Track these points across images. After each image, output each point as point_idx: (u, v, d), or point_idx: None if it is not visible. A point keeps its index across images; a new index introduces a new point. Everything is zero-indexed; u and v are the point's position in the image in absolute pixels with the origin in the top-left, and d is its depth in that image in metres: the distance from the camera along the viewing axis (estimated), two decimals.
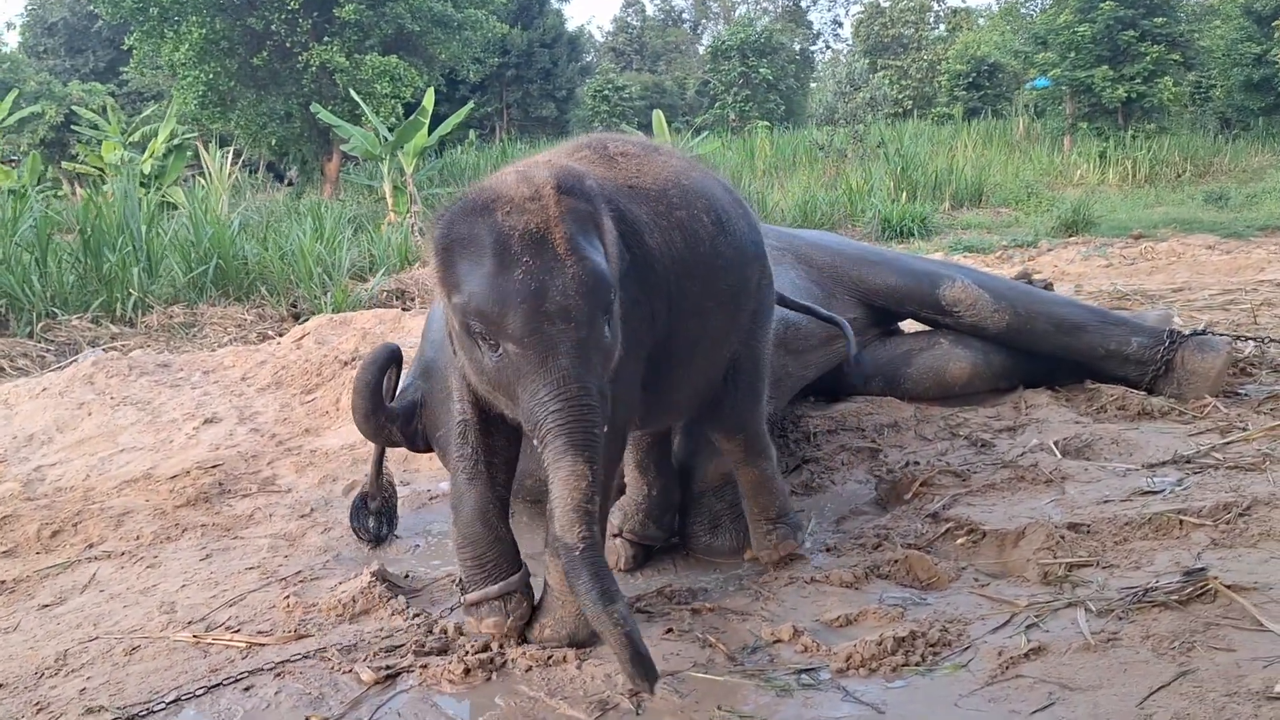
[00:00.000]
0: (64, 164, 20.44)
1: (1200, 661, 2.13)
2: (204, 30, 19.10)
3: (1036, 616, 2.43)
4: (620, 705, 2.21)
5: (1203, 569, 2.48)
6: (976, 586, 2.67)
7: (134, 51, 20.84)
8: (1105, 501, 3.04)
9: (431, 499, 3.83)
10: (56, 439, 4.92)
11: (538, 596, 2.57)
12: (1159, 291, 7.31)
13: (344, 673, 2.42)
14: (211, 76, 19.60)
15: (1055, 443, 3.58)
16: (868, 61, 30.56)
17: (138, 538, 3.55)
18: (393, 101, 19.03)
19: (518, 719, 2.19)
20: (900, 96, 31.50)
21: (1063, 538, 2.77)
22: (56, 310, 8.08)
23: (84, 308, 8.22)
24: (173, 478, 4.13)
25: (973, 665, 2.26)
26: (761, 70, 29.79)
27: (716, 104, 30.80)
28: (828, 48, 51.71)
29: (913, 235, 13.63)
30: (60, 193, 18.38)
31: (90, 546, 3.52)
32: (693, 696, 2.24)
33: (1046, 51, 21.63)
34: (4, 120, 18.61)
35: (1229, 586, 2.38)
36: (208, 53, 19.49)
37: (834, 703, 2.19)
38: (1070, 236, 12.71)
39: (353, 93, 17.02)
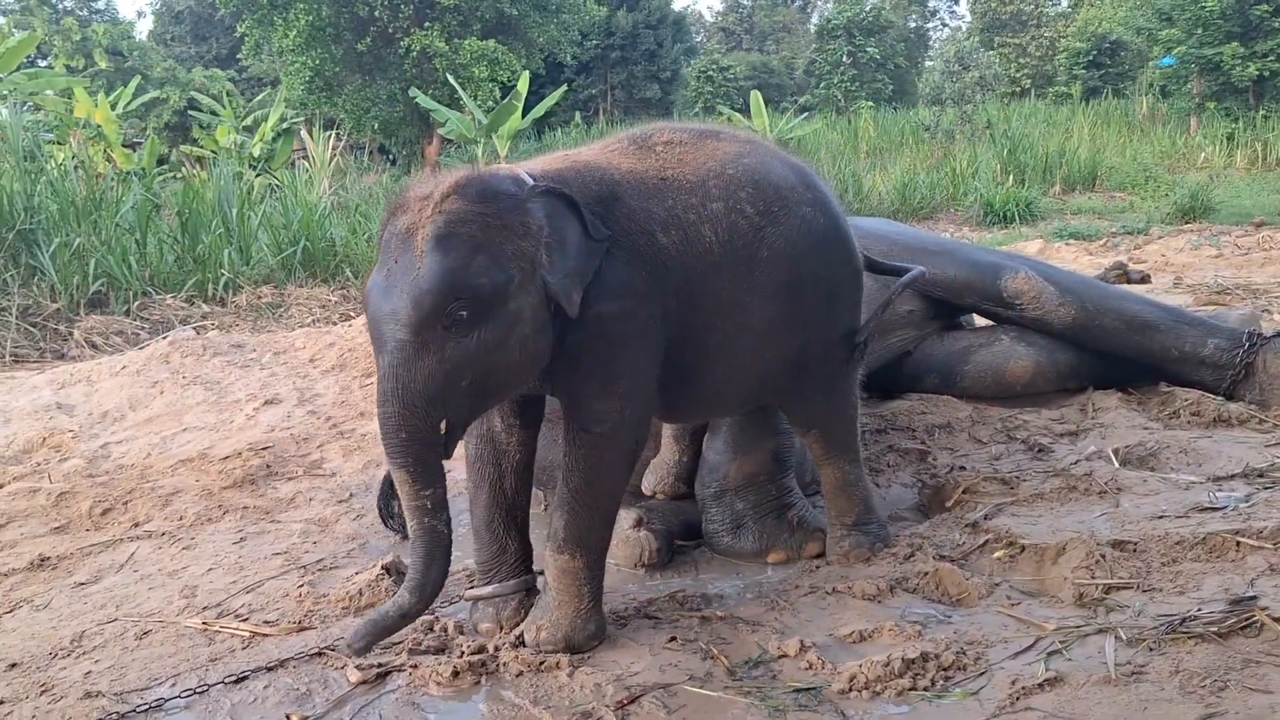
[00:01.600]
0: (182, 147, 21.22)
1: (1231, 704, 1.93)
2: (311, 17, 19.60)
3: (1062, 642, 2.25)
4: (604, 717, 2.12)
5: (1252, 598, 2.27)
6: (1006, 605, 2.49)
7: (246, 38, 21.47)
8: (1159, 517, 2.81)
9: (460, 491, 3.79)
10: (128, 416, 5.05)
11: None
12: (1265, 286, 6.84)
13: (336, 669, 2.40)
14: (318, 62, 20.12)
15: (1116, 450, 3.35)
16: (979, 39, 29.57)
17: (181, 518, 3.61)
18: (490, 85, 19.25)
19: None
20: (1017, 75, 30.49)
21: (1104, 556, 2.57)
22: (153, 289, 8.35)
23: (179, 287, 8.48)
24: (224, 459, 4.19)
25: (983, 694, 2.10)
26: (869, 49, 29.18)
27: (822, 84, 30.26)
28: (943, 25, 50.35)
29: (1016, 220, 13.15)
30: (180, 175, 19.13)
31: (135, 526, 3.59)
32: (680, 712, 2.14)
33: (1172, 28, 20.61)
34: (129, 105, 19.36)
35: (1277, 620, 2.16)
36: (315, 39, 20.00)
37: None
38: (1186, 223, 12.09)
39: (450, 77, 17.21)
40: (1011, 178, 15.24)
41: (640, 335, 2.35)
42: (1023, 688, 2.08)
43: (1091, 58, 26.58)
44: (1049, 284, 3.98)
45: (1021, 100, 25.31)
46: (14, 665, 2.53)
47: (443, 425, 2.18)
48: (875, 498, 2.94)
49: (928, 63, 37.25)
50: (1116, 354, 3.98)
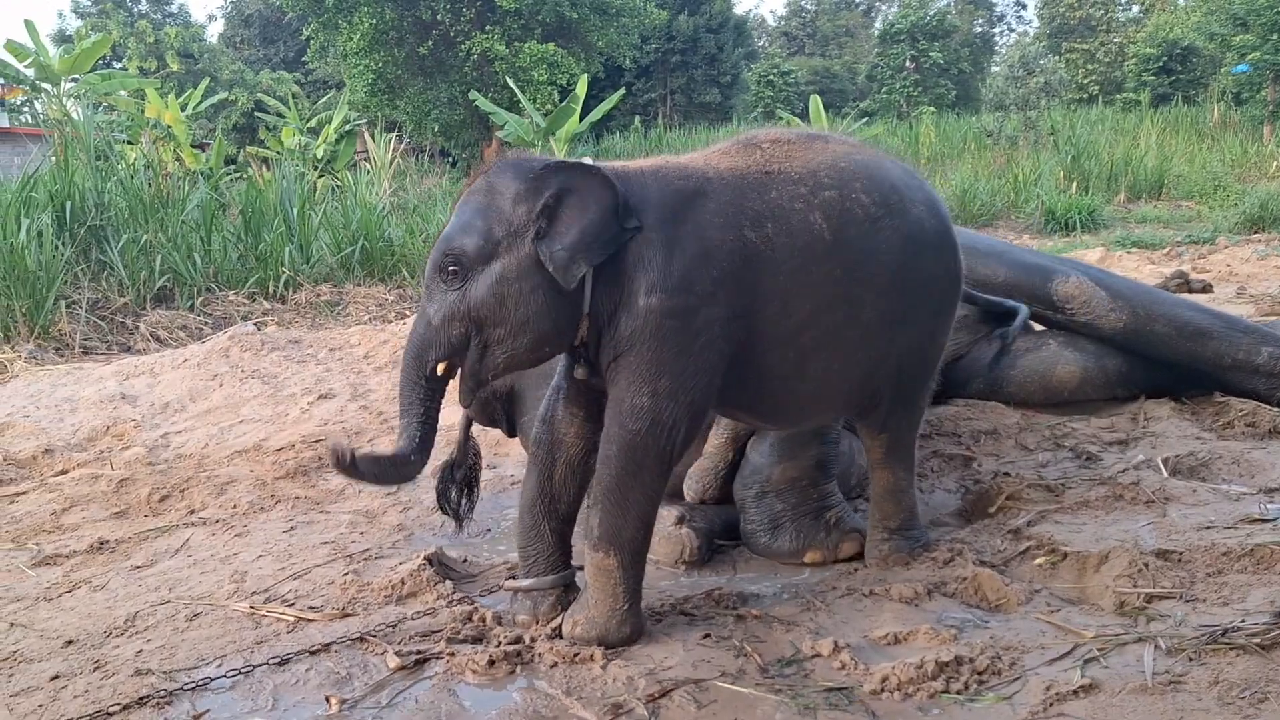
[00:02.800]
0: (248, 148, 21.66)
1: (1271, 716, 1.90)
2: (374, 20, 19.90)
3: (1099, 650, 2.23)
4: (634, 710, 2.14)
5: None
6: (1045, 612, 2.47)
7: (311, 41, 21.86)
8: (1206, 528, 2.76)
9: (514, 484, 3.84)
10: (189, 408, 5.19)
11: None
12: None
13: (376, 655, 2.44)
14: (381, 65, 20.42)
15: (1165, 460, 3.29)
16: (1046, 44, 29.11)
17: (234, 507, 3.70)
18: (549, 89, 19.37)
19: (531, 716, 2.15)
20: (1085, 82, 29.96)
21: (1147, 565, 2.53)
22: (216, 286, 8.55)
23: (241, 284, 8.67)
24: (278, 450, 4.29)
25: (1016, 699, 2.09)
26: (933, 54, 28.89)
27: (884, 89, 30.01)
28: (1009, 30, 49.67)
29: (1078, 228, 12.93)
30: (246, 175, 19.55)
31: (191, 513, 3.69)
32: (711, 708, 2.15)
33: (1247, 33, 20.09)
34: (198, 106, 19.83)
35: None
36: (378, 42, 20.31)
37: None
38: (1255, 233, 11.78)
39: (509, 80, 17.37)
40: (1075, 185, 14.98)
41: (695, 335, 2.33)
42: (1056, 694, 2.05)
43: (1162, 64, 26.05)
44: (1100, 288, 3.93)
45: (1088, 107, 24.84)
46: (70, 642, 2.62)
47: (440, 366, 2.36)
48: (919, 505, 2.92)
49: (993, 68, 36.75)
50: (1168, 361, 3.92)
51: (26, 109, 17.50)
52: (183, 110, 15.45)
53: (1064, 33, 34.06)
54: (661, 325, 2.31)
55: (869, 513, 2.89)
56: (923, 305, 2.64)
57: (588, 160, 2.41)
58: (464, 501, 3.41)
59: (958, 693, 2.13)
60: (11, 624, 2.75)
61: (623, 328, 2.33)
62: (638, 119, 27.61)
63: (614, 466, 2.37)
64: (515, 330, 2.33)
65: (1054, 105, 22.71)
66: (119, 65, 29.18)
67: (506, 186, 2.34)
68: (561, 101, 18.08)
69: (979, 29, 43.49)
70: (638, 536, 2.43)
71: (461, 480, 3.40)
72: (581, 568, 2.55)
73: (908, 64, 29.07)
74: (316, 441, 4.37)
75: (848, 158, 2.57)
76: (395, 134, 17.19)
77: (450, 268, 2.32)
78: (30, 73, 13.37)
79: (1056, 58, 26.96)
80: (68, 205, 7.84)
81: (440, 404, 2.43)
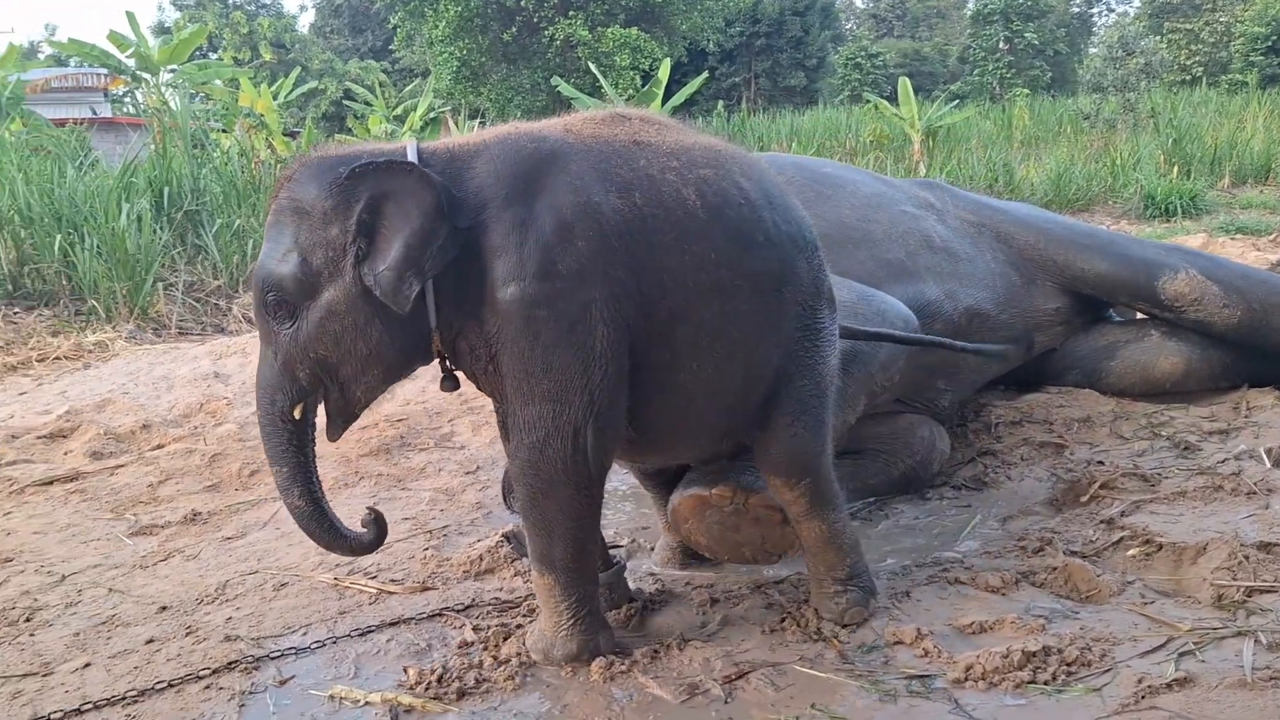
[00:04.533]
0: (337, 136, 22.11)
1: None
2: (459, 8, 20.12)
3: (1195, 644, 2.15)
4: (710, 691, 2.14)
5: None
6: (1138, 604, 2.39)
7: (398, 30, 22.19)
8: None
9: None
10: None
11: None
12: None
13: (454, 628, 2.47)
14: (465, 52, 20.64)
15: (1269, 450, 3.16)
16: (1147, 24, 28.15)
17: (320, 482, 3.76)
18: (632, 73, 19.37)
19: (607, 694, 2.16)
20: (1188, 63, 28.92)
21: (1247, 558, 2.44)
22: None
23: None
24: (362, 428, 4.36)
25: (1106, 691, 2.02)
26: (1027, 35, 28.20)
27: (976, 71, 29.37)
28: (1109, 10, 48.16)
29: (1178, 214, 12.48)
30: None
31: None
32: (789, 691, 2.14)
33: None
34: (289, 95, 20.27)
35: None
36: (462, 29, 20.52)
37: (939, 713, 2.02)
38: None
39: (592, 65, 17.41)
40: (1176, 169, 14.44)
41: (572, 324, 2.02)
42: (1149, 686, 1.99)
43: (1271, 43, 25.03)
44: (1212, 283, 3.70)
45: (1191, 88, 23.95)
46: (165, 608, 2.71)
47: (297, 411, 2.14)
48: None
49: (1090, 49, 35.65)
50: None
51: (128, 99, 18.08)
52: (274, 99, 15.80)
53: (1166, 12, 32.88)
54: (529, 318, 2.01)
55: (810, 567, 2.46)
56: (799, 316, 2.30)
57: (406, 147, 2.10)
58: None
59: (1045, 683, 2.07)
60: (110, 590, 2.85)
61: (487, 327, 2.05)
62: (721, 104, 27.40)
63: (524, 486, 2.13)
64: (363, 366, 2.11)
65: (1154, 87, 21.93)
66: (214, 55, 30.00)
67: (313, 202, 2.04)
68: (644, 86, 18.05)
69: (1076, 9, 42.25)
70: (569, 554, 2.17)
71: None
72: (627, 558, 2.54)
73: (1001, 45, 28.41)
74: (399, 421, 4.45)
75: (726, 145, 2.34)
76: (479, 120, 17.40)
77: (273, 304, 2.07)
78: (131, 63, 13.80)
79: (1158, 38, 26.05)
80: (165, 191, 8.08)
81: (313, 446, 2.22)
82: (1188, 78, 27.30)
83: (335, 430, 2.25)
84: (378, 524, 2.30)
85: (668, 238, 2.11)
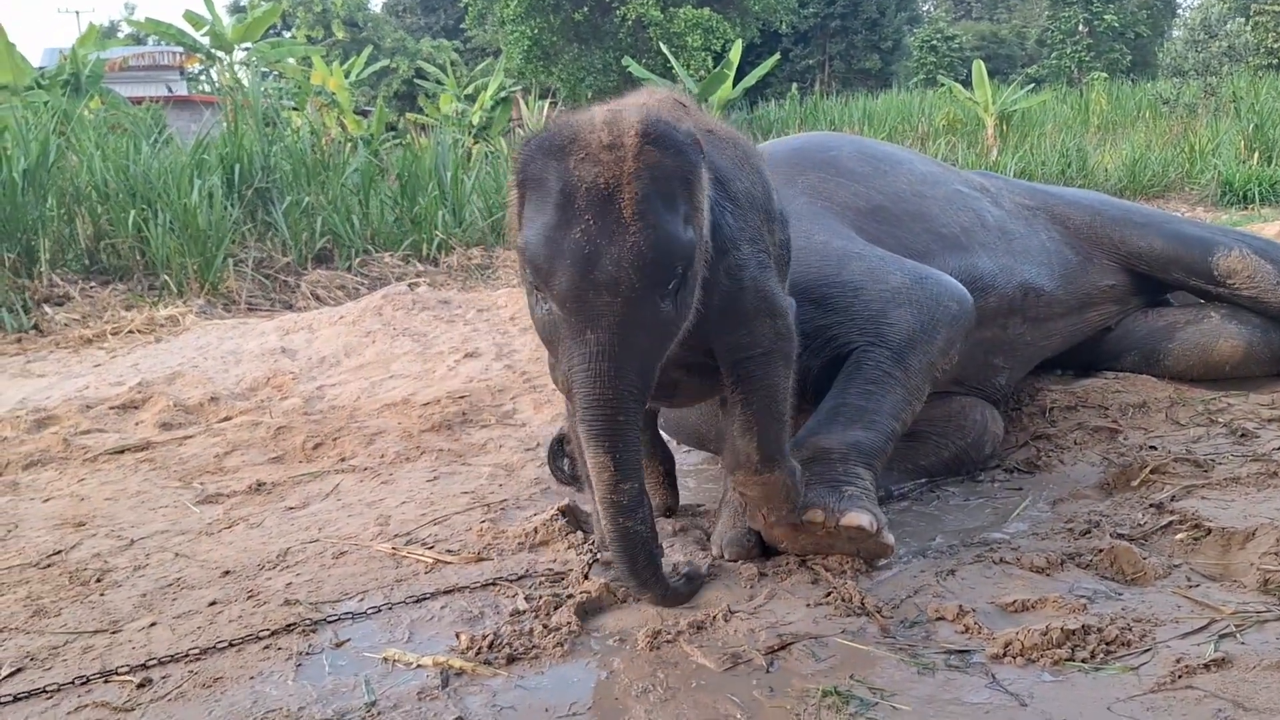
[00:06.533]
0: (408, 115, 22.37)
1: None
2: None
3: (1237, 626, 2.14)
4: (753, 660, 2.16)
5: None
6: (1183, 587, 2.37)
7: (470, 9, 22.34)
8: None
9: None
10: (343, 362, 5.44)
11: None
12: None
13: (507, 597, 2.53)
14: (536, 32, 20.70)
15: None
16: (1231, 6, 27.25)
17: (382, 456, 3.86)
18: (703, 54, 19.28)
19: (653, 661, 2.20)
20: (1275, 46, 27.97)
21: None
22: (373, 248, 8.89)
23: (397, 246, 8.99)
24: (425, 405, 4.46)
25: (1144, 670, 2.02)
26: (1107, 17, 27.48)
27: (1054, 54, 28.74)
28: None
29: (1257, 201, 12.14)
30: (404, 141, 20.23)
31: (342, 460, 3.87)
32: (829, 662, 2.16)
33: None
34: (361, 74, 20.55)
35: None
36: (534, 8, 20.60)
37: (975, 688, 2.02)
38: None
39: (663, 46, 17.37)
40: (1256, 156, 14.04)
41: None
42: (1186, 666, 1.98)
43: None
44: (1266, 261, 3.71)
45: (1277, 73, 23.15)
46: (228, 572, 2.80)
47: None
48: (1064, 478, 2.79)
49: (1173, 32, 34.66)
50: None
51: (204, 77, 18.48)
52: (346, 77, 16.05)
53: None
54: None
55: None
56: None
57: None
58: (576, 469, 3.47)
59: (1083, 661, 2.08)
60: (176, 554, 2.96)
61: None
62: (794, 86, 27.20)
63: None
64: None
65: (1238, 71, 21.28)
66: (288, 34, 30.47)
67: (684, 170, 2.08)
68: (715, 67, 17.96)
69: None
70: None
71: (572, 451, 3.47)
72: None
73: (1080, 28, 27.73)
74: (461, 398, 4.53)
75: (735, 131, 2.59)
76: (550, 100, 17.48)
77: (679, 277, 2.07)
78: (206, 41, 14.11)
79: (1243, 20, 25.16)
80: (236, 168, 8.28)
81: None
82: (1274, 61, 26.40)
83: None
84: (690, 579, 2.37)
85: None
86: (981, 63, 18.14)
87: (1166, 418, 3.50)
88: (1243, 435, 3.29)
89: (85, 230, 7.43)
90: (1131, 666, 2.03)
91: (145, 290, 7.31)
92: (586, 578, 2.54)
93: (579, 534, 2.87)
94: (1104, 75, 24.38)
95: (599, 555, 2.61)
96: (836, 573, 2.56)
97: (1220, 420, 3.43)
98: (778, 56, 18.21)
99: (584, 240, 1.90)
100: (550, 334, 2.06)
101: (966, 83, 19.31)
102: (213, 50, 14.42)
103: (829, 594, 2.45)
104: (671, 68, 16.79)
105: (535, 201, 2.00)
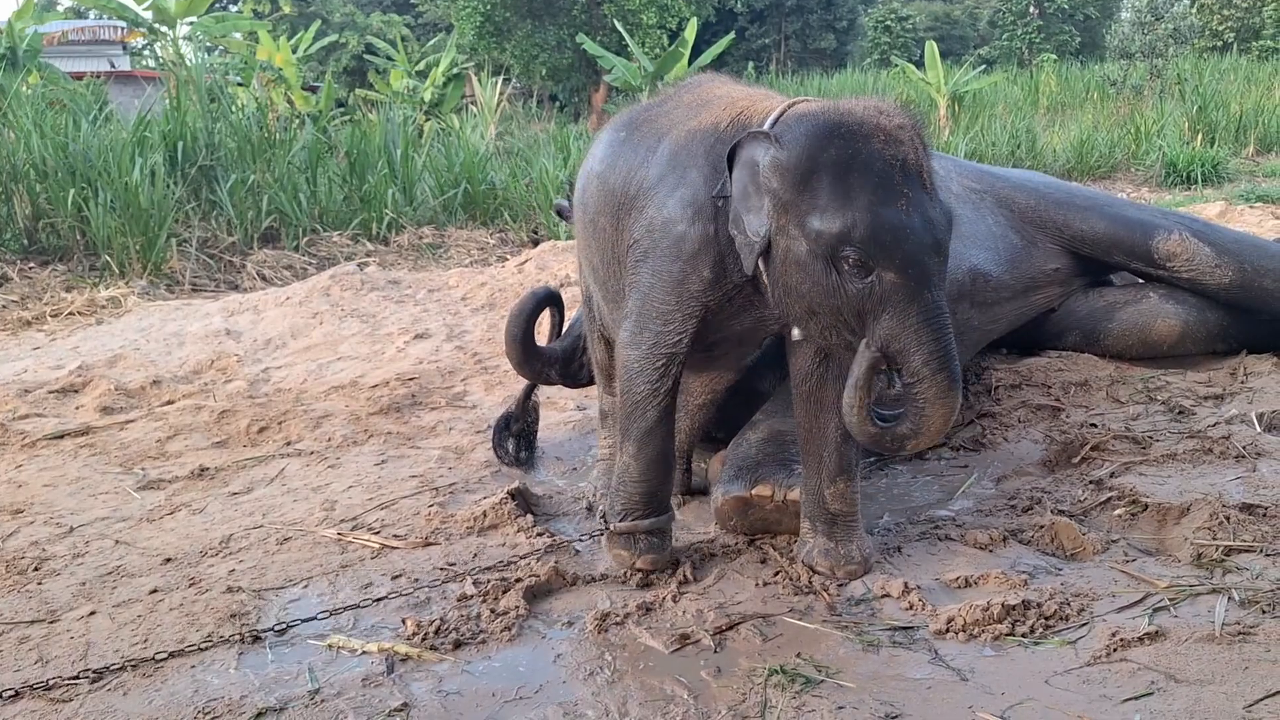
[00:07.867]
0: (357, 91, 22.04)
1: None
2: None
3: (1171, 600, 2.20)
4: (701, 641, 2.19)
5: None
6: (1120, 562, 2.44)
7: None
8: None
9: None
10: (289, 344, 5.37)
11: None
12: None
13: (455, 581, 2.52)
14: (489, 8, 20.50)
15: (1260, 415, 3.19)
16: None
17: (329, 439, 3.82)
18: (659, 32, 19.21)
19: (601, 644, 2.20)
20: (1220, 28, 28.41)
21: (1229, 519, 2.48)
22: (321, 227, 8.75)
23: (346, 225, 8.86)
24: (373, 387, 4.41)
25: (1080, 644, 2.08)
26: None
27: (1005, 35, 28.99)
28: None
29: (1199, 182, 12.35)
30: (354, 118, 19.92)
31: (288, 444, 3.83)
32: (777, 641, 2.19)
33: None
34: (309, 49, 20.18)
35: None
36: None
37: (918, 663, 2.07)
38: None
39: (617, 24, 17.27)
40: (1200, 137, 14.26)
41: None
42: (1122, 640, 2.04)
43: None
44: (1204, 244, 3.77)
45: (1221, 55, 23.53)
46: (169, 560, 2.76)
47: None
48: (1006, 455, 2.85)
49: (1122, 14, 35.07)
50: (1276, 316, 3.75)
51: (147, 52, 18.07)
52: (294, 52, 15.75)
53: None
54: None
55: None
56: None
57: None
58: (522, 450, 3.47)
59: (1022, 636, 2.14)
60: (117, 542, 2.91)
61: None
62: (750, 65, 27.16)
63: None
64: None
65: (1184, 53, 21.56)
66: (234, 8, 29.89)
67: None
68: (670, 45, 17.89)
69: None
70: None
71: (518, 432, 3.47)
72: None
73: (1031, 9, 27.98)
74: (411, 379, 4.48)
75: None
76: (502, 77, 17.29)
77: None
78: (148, 15, 13.76)
79: (1189, 3, 25.56)
80: (179, 145, 8.10)
81: None
82: (1218, 44, 26.83)
83: None
84: None
85: None
86: (934, 44, 18.23)
87: (1107, 396, 3.57)
88: (1180, 413, 3.36)
89: (23, 210, 7.24)
90: (1069, 640, 2.09)
91: (86, 271, 7.15)
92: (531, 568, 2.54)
93: (528, 517, 2.87)
94: (1053, 57, 24.65)
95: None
96: (785, 552, 2.59)
97: (1159, 398, 3.51)
98: (733, 35, 18.15)
99: (915, 212, 2.12)
100: (862, 304, 2.15)
101: (920, 63, 19.41)
102: (156, 25, 14.07)
103: (777, 573, 2.49)
104: (626, 45, 16.70)
105: (839, 182, 2.13)
